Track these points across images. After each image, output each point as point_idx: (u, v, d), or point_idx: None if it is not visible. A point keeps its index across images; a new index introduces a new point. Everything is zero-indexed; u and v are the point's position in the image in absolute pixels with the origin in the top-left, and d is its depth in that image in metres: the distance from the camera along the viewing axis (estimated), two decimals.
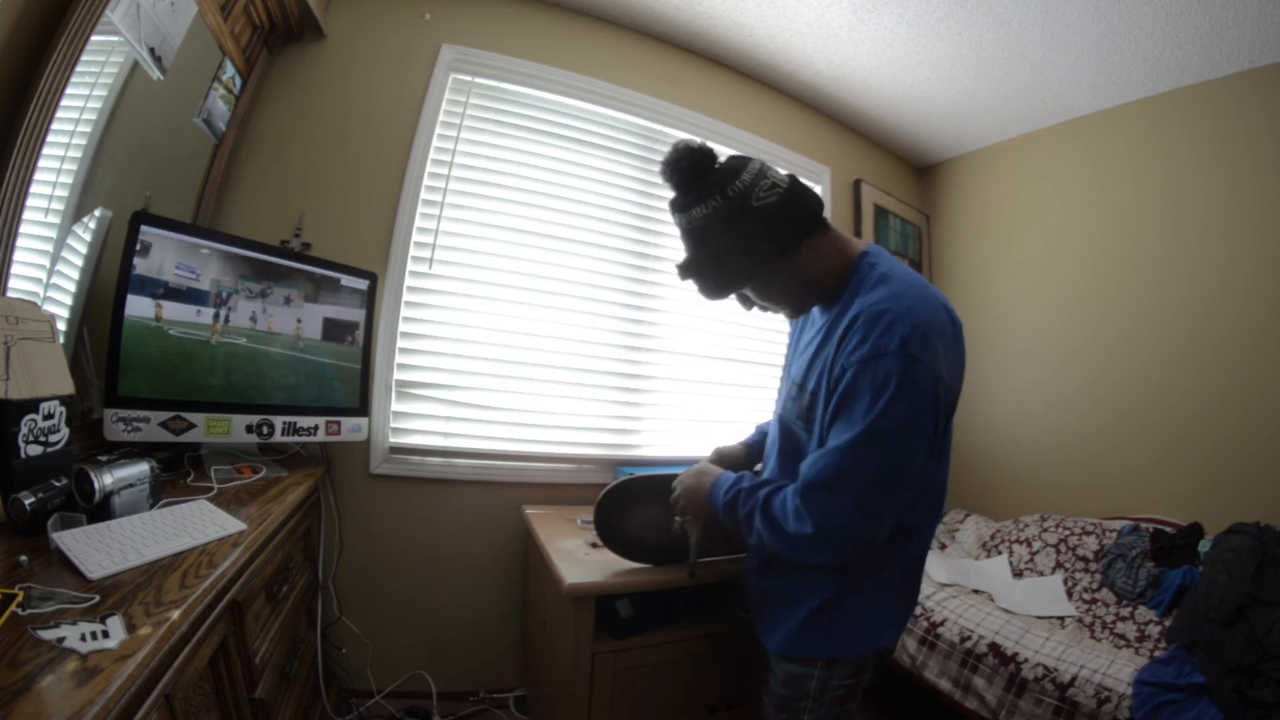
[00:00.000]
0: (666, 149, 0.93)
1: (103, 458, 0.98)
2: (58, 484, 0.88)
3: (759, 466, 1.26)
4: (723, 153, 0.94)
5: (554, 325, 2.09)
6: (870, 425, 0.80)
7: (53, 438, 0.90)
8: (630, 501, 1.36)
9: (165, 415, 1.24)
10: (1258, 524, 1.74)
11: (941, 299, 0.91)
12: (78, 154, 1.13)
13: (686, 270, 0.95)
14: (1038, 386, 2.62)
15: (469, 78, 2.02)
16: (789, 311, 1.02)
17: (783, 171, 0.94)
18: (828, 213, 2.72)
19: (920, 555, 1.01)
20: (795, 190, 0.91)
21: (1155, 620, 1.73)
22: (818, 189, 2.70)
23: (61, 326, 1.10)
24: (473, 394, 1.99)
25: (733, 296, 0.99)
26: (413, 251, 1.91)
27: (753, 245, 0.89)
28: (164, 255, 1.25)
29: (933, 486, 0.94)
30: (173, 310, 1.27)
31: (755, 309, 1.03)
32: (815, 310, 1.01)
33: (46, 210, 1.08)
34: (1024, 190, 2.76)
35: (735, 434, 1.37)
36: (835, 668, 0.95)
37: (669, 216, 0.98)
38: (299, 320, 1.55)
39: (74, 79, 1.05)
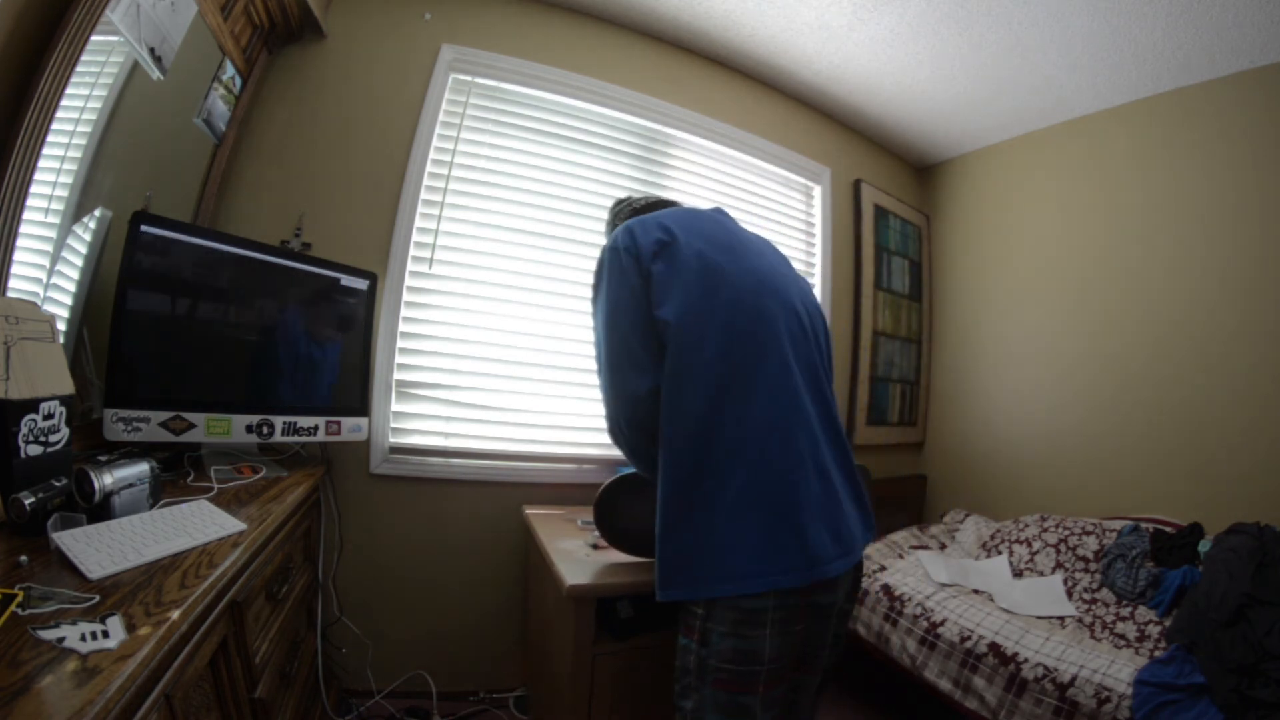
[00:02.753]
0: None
1: (103, 458, 0.98)
2: (58, 484, 0.87)
3: None
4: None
5: (554, 325, 2.09)
6: (592, 305, 1.09)
7: (53, 438, 0.90)
8: (630, 495, 1.37)
9: (165, 415, 1.24)
10: (1258, 524, 1.74)
11: (664, 212, 1.10)
12: (78, 154, 1.13)
13: None
14: (1038, 387, 2.62)
15: (469, 78, 2.02)
16: None
17: (659, 197, 1.31)
18: (822, 213, 2.69)
19: (756, 473, 0.89)
20: (641, 208, 1.25)
21: (1155, 620, 1.73)
22: (817, 189, 2.70)
23: (61, 326, 1.10)
24: (473, 394, 1.99)
25: None
26: (413, 251, 1.91)
27: None
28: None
29: (686, 369, 0.94)
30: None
31: None
32: None
33: (46, 210, 1.08)
34: (1024, 190, 2.76)
35: None
36: (710, 642, 0.88)
37: None
38: (301, 315, 1.55)
39: (74, 79, 1.05)
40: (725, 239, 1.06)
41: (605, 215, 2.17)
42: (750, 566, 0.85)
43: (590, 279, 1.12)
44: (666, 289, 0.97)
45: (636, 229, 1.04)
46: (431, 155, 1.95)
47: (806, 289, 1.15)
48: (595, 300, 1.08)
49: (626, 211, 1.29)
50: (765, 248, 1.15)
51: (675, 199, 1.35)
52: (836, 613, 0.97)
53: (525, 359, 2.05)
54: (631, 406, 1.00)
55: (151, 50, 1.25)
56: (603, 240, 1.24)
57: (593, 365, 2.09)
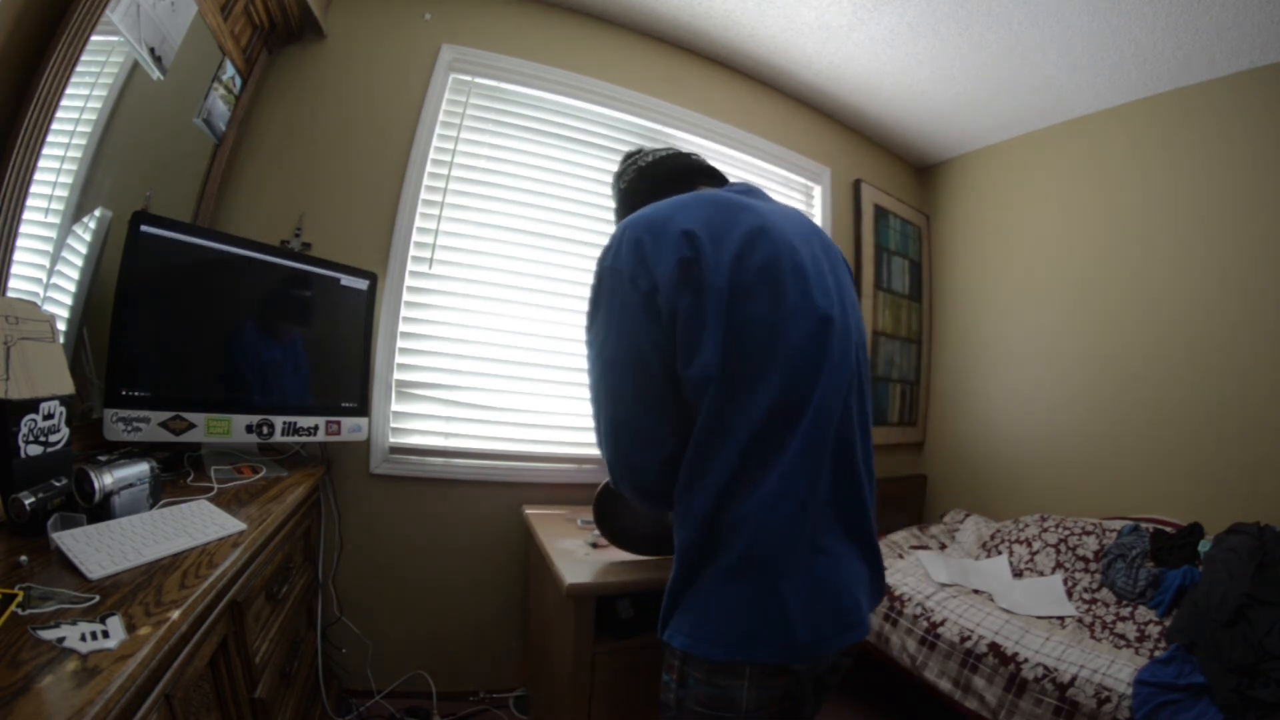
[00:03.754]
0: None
1: (103, 458, 0.98)
2: (58, 484, 0.88)
3: None
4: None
5: (554, 325, 2.09)
6: (586, 336, 0.89)
7: (53, 438, 0.90)
8: None
9: (165, 415, 1.24)
10: (1258, 524, 1.74)
11: (683, 203, 0.85)
12: (78, 154, 1.13)
13: None
14: (1038, 387, 2.62)
15: (469, 78, 2.02)
16: None
17: (682, 149, 1.10)
18: (822, 213, 2.67)
19: (751, 547, 0.79)
20: (646, 168, 1.06)
21: (1155, 620, 1.73)
22: (817, 189, 2.70)
23: (61, 326, 1.10)
24: (473, 394, 1.99)
25: None
26: (413, 251, 1.91)
27: (620, 211, 1.08)
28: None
29: (720, 424, 0.78)
30: None
31: None
32: None
33: (46, 210, 1.08)
34: (1024, 190, 2.76)
35: None
36: (687, 685, 0.83)
37: None
38: (301, 315, 1.55)
39: (74, 79, 1.05)
40: (769, 242, 0.82)
41: (605, 215, 2.22)
42: (728, 636, 0.79)
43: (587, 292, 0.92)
44: (695, 336, 0.77)
45: (647, 242, 0.79)
46: (431, 155, 1.95)
47: (853, 299, 0.95)
48: (590, 329, 0.88)
49: (632, 174, 1.07)
50: (815, 247, 0.90)
51: (692, 151, 1.12)
52: (825, 670, 0.91)
53: (525, 359, 2.05)
54: (638, 477, 0.86)
55: (151, 50, 1.25)
56: (604, 239, 1.12)
57: None
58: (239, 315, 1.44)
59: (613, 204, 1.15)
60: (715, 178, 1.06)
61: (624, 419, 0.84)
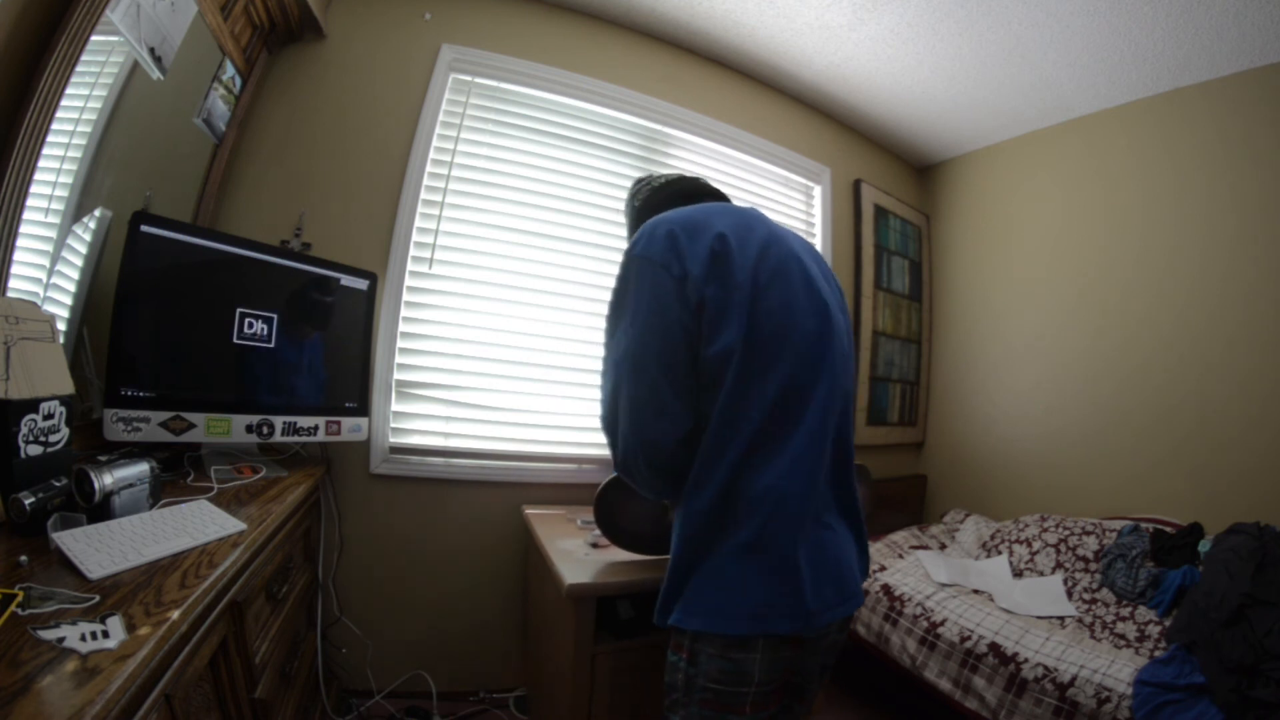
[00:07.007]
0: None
1: (103, 458, 0.98)
2: (58, 484, 0.88)
3: None
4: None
5: (554, 325, 2.09)
6: (609, 320, 0.93)
7: (53, 438, 0.90)
8: (630, 492, 1.37)
9: (165, 415, 1.24)
10: (1258, 524, 1.74)
11: (711, 210, 0.94)
12: (78, 154, 1.13)
13: None
14: (1038, 387, 2.62)
15: (469, 78, 2.02)
16: None
17: (681, 174, 1.16)
18: (822, 213, 2.68)
19: (767, 523, 0.83)
20: (660, 187, 1.12)
21: (1155, 620, 1.73)
22: (817, 189, 2.70)
23: (61, 326, 1.10)
24: (473, 394, 1.99)
25: None
26: (413, 251, 1.91)
27: (634, 226, 1.14)
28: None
29: (738, 403, 0.84)
30: None
31: None
32: None
33: (46, 210, 1.08)
34: (1024, 190, 2.76)
35: None
36: (698, 662, 0.86)
37: None
38: (301, 315, 1.55)
39: (74, 79, 1.05)
40: (780, 249, 0.91)
41: (604, 215, 2.22)
42: (746, 610, 0.83)
43: (598, 288, 0.99)
44: (721, 319, 0.83)
45: (681, 235, 0.86)
46: (431, 155, 1.95)
47: (844, 303, 1.05)
48: (616, 318, 0.92)
49: (646, 193, 1.13)
50: (813, 259, 1.00)
51: (698, 175, 1.18)
52: (827, 645, 0.96)
53: (525, 359, 2.05)
54: (655, 453, 0.89)
55: (151, 50, 1.25)
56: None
57: (592, 365, 2.12)
58: (239, 315, 1.44)
59: (624, 219, 1.22)
60: (721, 198, 1.12)
61: (648, 397, 0.87)
